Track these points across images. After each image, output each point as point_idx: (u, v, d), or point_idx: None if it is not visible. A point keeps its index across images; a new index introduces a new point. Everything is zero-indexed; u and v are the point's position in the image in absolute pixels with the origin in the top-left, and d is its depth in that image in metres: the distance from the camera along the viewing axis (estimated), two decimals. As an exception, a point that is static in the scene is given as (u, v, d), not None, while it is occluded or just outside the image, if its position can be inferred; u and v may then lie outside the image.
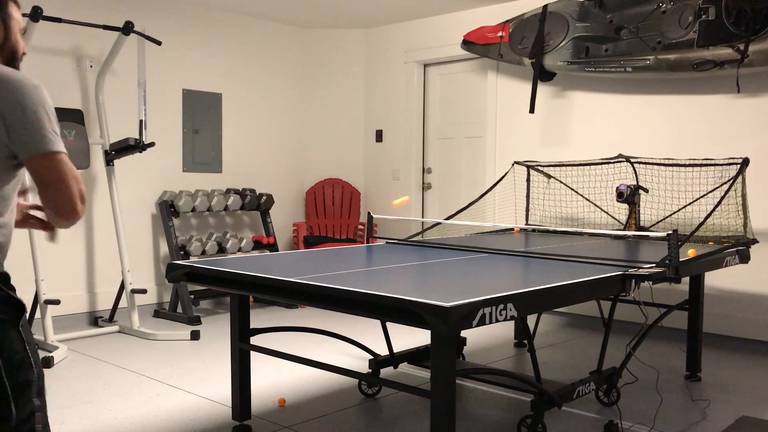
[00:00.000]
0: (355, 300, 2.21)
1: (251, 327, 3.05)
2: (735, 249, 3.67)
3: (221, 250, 5.67)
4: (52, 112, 1.60)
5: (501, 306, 2.12)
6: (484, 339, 4.75)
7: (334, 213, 6.69)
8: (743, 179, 3.87)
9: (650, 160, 4.51)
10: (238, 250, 5.74)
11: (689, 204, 4.28)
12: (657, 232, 4.02)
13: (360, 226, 6.66)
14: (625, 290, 2.74)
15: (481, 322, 2.04)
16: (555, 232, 4.55)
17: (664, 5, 4.51)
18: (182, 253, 5.41)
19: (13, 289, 1.61)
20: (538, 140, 5.54)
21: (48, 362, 4.00)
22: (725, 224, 3.80)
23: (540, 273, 2.78)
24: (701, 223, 3.51)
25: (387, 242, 4.00)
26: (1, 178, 1.58)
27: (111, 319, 5.10)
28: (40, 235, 4.53)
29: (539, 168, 4.94)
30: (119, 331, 4.92)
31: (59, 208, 1.59)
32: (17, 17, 1.74)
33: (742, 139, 4.56)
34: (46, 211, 1.65)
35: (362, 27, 6.70)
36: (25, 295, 4.64)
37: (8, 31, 1.71)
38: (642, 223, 4.40)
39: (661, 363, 4.13)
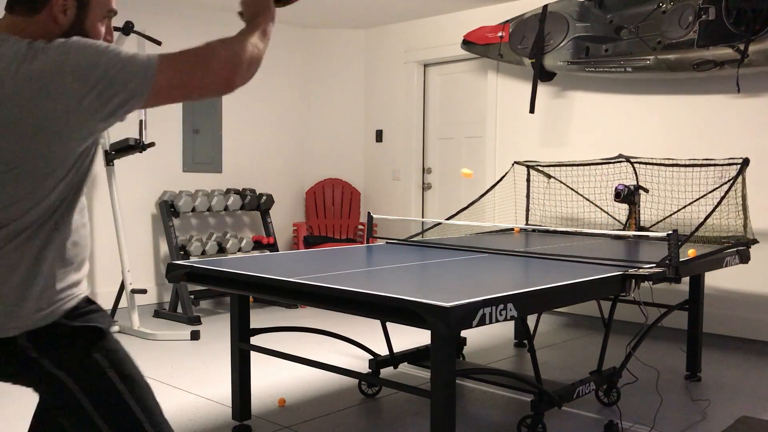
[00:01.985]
0: (355, 300, 2.21)
1: (251, 327, 3.05)
2: (735, 249, 3.67)
3: (221, 250, 5.67)
4: (97, 46, 1.27)
5: (501, 306, 2.12)
6: (484, 339, 4.75)
7: (334, 213, 6.69)
8: (743, 179, 3.87)
9: (650, 160, 4.51)
10: (238, 250, 5.74)
11: (689, 204, 4.28)
12: (657, 232, 4.02)
13: (360, 226, 6.66)
14: (625, 290, 2.75)
15: (481, 322, 2.04)
16: (555, 232, 4.55)
17: (664, 5, 4.51)
18: (182, 253, 5.41)
19: (85, 315, 1.41)
20: (538, 140, 5.54)
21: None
22: (725, 224, 3.79)
23: (540, 273, 2.78)
24: (701, 223, 3.51)
25: (387, 242, 4.00)
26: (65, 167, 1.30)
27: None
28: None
29: (539, 168, 4.94)
30: (119, 331, 4.91)
31: (218, 92, 1.36)
32: None
33: (742, 139, 4.56)
34: None
35: (362, 27, 6.70)
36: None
37: (84, 13, 1.34)
38: (642, 223, 4.40)
39: (661, 363, 4.13)
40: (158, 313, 5.49)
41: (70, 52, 1.24)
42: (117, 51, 1.27)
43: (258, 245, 5.94)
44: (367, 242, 3.96)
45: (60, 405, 1.39)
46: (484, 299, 2.07)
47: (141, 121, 4.89)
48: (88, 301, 1.45)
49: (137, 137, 4.96)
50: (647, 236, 4.08)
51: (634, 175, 4.57)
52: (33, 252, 1.33)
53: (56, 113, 1.24)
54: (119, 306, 5.10)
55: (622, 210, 4.65)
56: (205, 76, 1.31)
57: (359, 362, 4.08)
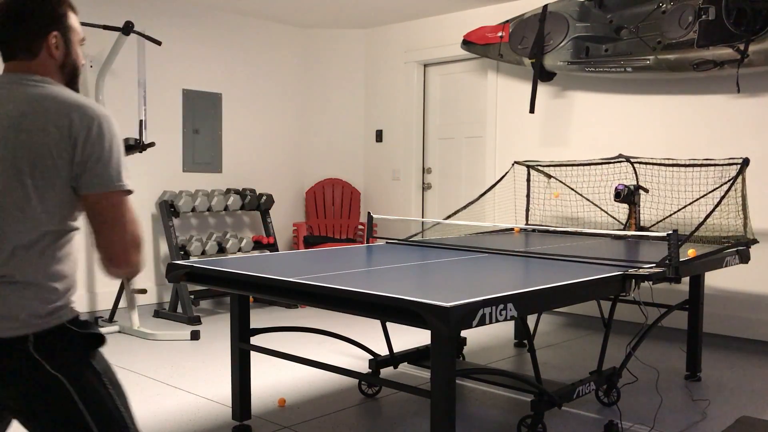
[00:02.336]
0: (355, 300, 2.21)
1: (251, 327, 3.05)
2: (735, 249, 3.67)
3: (221, 250, 5.67)
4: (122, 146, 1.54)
5: (501, 306, 2.12)
6: (484, 339, 4.75)
7: (334, 213, 6.69)
8: (743, 179, 3.87)
9: (650, 160, 4.51)
10: (238, 250, 5.74)
11: (689, 204, 4.28)
12: (657, 232, 4.02)
13: (360, 226, 6.66)
14: (625, 290, 2.74)
15: (481, 322, 2.04)
16: (555, 232, 4.55)
17: (664, 5, 4.51)
18: (182, 253, 5.41)
19: (84, 324, 1.53)
20: (538, 140, 5.54)
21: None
22: (725, 224, 3.79)
23: (540, 273, 2.78)
24: (701, 223, 3.51)
25: (387, 242, 4.00)
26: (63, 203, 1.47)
27: (111, 319, 5.10)
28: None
29: (539, 168, 4.94)
30: (119, 331, 4.91)
31: (110, 253, 1.52)
32: (77, 27, 1.59)
33: (742, 139, 4.56)
34: (99, 257, 1.55)
35: (362, 27, 6.70)
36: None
37: (69, 45, 1.57)
38: (642, 223, 4.40)
39: (661, 363, 4.13)
40: (158, 313, 5.49)
41: (92, 131, 1.47)
42: (118, 152, 1.53)
43: (258, 245, 5.94)
44: (367, 242, 3.96)
45: (51, 408, 1.46)
46: (484, 299, 2.07)
47: (141, 121, 4.89)
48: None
49: (137, 137, 4.96)
50: (647, 236, 4.08)
51: (634, 175, 4.56)
52: (52, 259, 1.48)
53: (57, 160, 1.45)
54: (119, 306, 5.11)
55: (622, 210, 4.65)
56: (117, 244, 1.52)
57: (359, 362, 4.08)
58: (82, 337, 1.50)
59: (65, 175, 1.45)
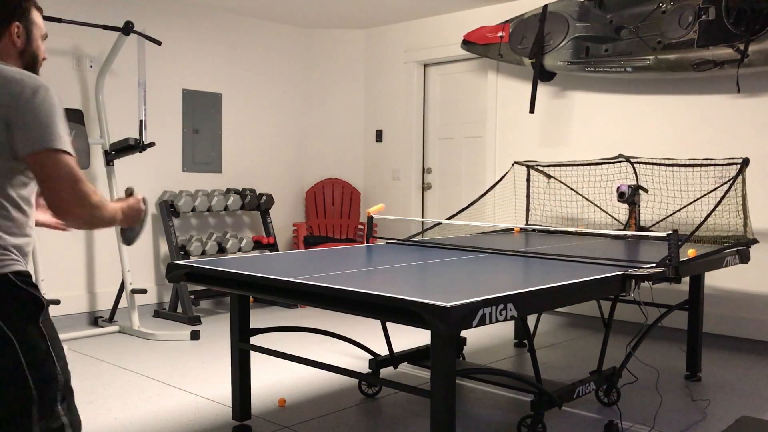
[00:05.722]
0: (355, 300, 2.21)
1: (251, 327, 3.05)
2: (735, 249, 3.67)
3: (221, 250, 5.67)
4: (63, 114, 1.67)
5: (501, 306, 2.12)
6: (484, 339, 4.75)
7: (334, 213, 6.69)
8: (743, 179, 3.87)
9: (650, 160, 4.51)
10: (238, 250, 5.74)
11: (689, 204, 4.28)
12: (657, 232, 4.02)
13: (360, 226, 6.66)
14: (625, 290, 2.75)
15: (481, 322, 2.04)
16: (555, 232, 4.55)
17: (664, 5, 4.51)
18: (182, 253, 5.41)
19: (33, 286, 1.65)
20: (538, 140, 5.54)
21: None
22: (725, 224, 3.79)
23: (540, 273, 2.78)
24: (701, 223, 3.51)
25: (387, 242, 4.00)
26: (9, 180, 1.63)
27: (111, 319, 5.10)
28: (39, 235, 4.53)
29: (539, 168, 4.94)
30: (119, 331, 4.92)
31: (52, 204, 1.63)
32: (39, 23, 1.81)
33: (742, 139, 4.56)
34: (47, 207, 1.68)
35: (362, 27, 6.70)
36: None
37: (30, 37, 1.78)
38: (642, 223, 4.40)
39: (661, 363, 4.13)
40: (158, 313, 5.49)
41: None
42: (59, 120, 1.63)
43: (258, 245, 5.94)
44: (367, 242, 3.96)
45: None
46: (484, 299, 2.07)
47: (141, 121, 4.89)
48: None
49: (137, 137, 4.96)
50: (647, 236, 4.08)
51: (634, 175, 4.57)
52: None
53: None
54: (119, 306, 5.11)
55: (622, 210, 4.65)
56: (57, 196, 1.63)
57: (359, 362, 4.08)
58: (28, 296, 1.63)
59: (3, 140, 1.59)
